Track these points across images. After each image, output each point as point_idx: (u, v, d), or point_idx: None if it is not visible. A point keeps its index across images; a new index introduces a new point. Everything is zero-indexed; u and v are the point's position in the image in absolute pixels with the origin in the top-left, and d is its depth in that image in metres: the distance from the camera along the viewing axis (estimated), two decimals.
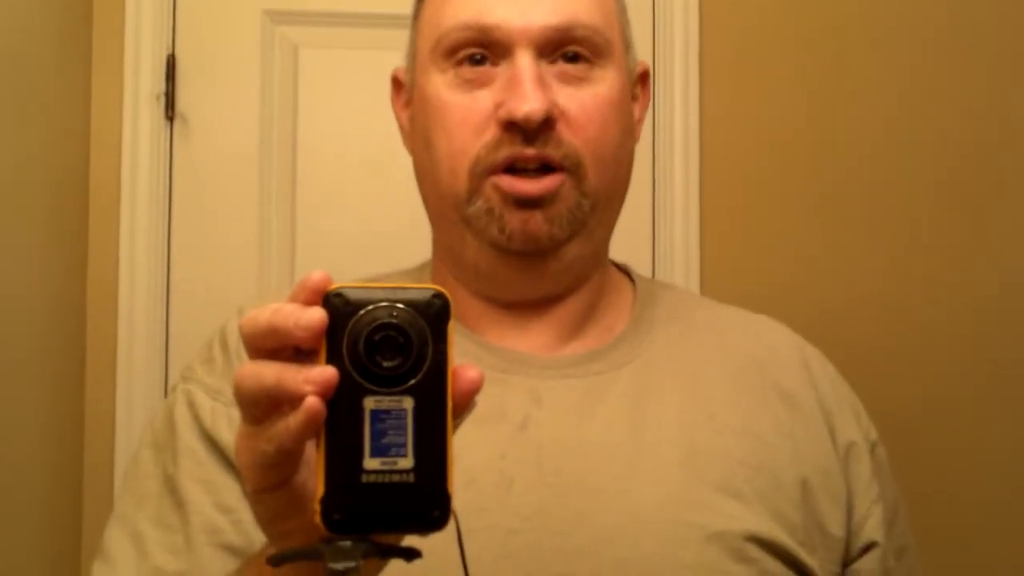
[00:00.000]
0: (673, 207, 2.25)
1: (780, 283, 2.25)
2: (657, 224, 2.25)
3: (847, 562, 1.01)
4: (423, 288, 0.64)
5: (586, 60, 0.98)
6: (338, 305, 0.63)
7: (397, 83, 1.09)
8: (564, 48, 0.97)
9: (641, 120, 1.09)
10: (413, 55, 1.05)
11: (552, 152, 0.95)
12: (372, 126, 2.19)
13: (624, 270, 1.13)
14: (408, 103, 1.07)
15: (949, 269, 2.31)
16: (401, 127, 1.10)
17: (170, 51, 2.19)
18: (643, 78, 1.09)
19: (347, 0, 2.24)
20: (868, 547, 1.02)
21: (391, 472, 0.62)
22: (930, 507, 2.14)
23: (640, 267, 1.16)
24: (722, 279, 2.24)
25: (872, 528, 1.02)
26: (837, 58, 2.34)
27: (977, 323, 2.30)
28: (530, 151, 0.95)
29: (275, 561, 0.65)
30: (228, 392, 0.96)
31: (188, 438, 0.97)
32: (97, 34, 2.18)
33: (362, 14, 2.23)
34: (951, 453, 2.27)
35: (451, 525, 0.64)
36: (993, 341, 2.30)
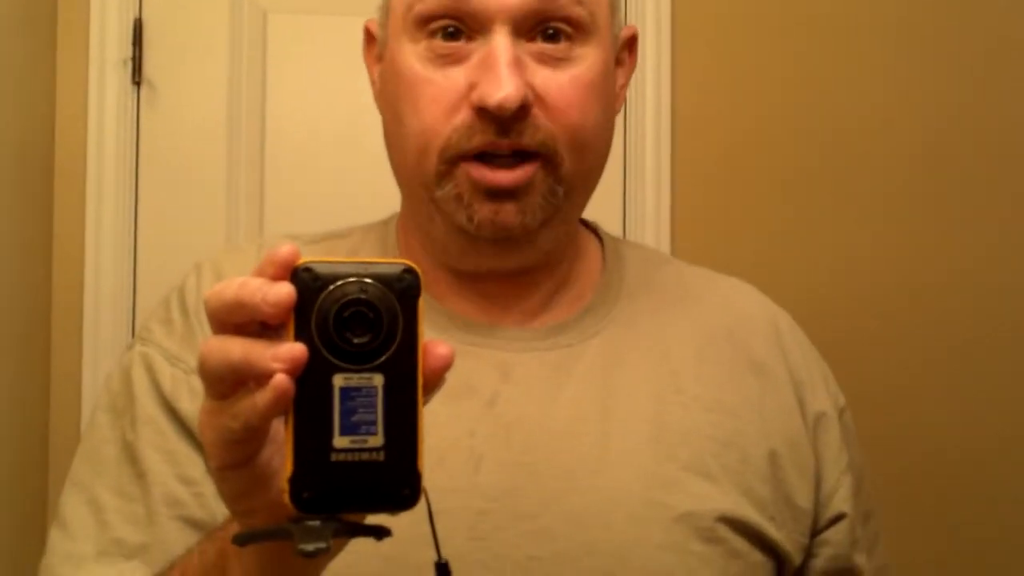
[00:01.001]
0: (644, 178, 2.25)
1: (751, 258, 2.25)
2: (628, 191, 2.25)
3: (815, 532, 1.01)
4: (393, 263, 0.63)
5: (567, 38, 0.93)
6: (306, 280, 0.61)
7: (369, 35, 1.04)
8: (544, 25, 0.92)
9: (625, 85, 1.05)
10: (387, 11, 1.00)
11: (527, 141, 0.91)
12: (342, 92, 2.18)
13: (592, 228, 1.10)
14: (380, 58, 1.02)
15: (920, 247, 2.32)
16: (372, 83, 1.04)
17: (137, 15, 2.16)
18: (631, 42, 1.05)
19: None
20: (837, 518, 1.02)
21: (361, 450, 0.61)
22: (905, 487, 2.16)
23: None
24: (693, 247, 2.24)
25: (841, 499, 1.02)
26: (812, 34, 2.34)
27: (950, 305, 2.32)
28: (504, 142, 0.90)
29: (241, 540, 0.64)
30: (188, 358, 0.94)
31: (147, 405, 0.94)
32: None
33: None
34: (924, 432, 2.28)
35: (421, 503, 0.63)
36: (966, 322, 2.33)
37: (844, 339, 2.09)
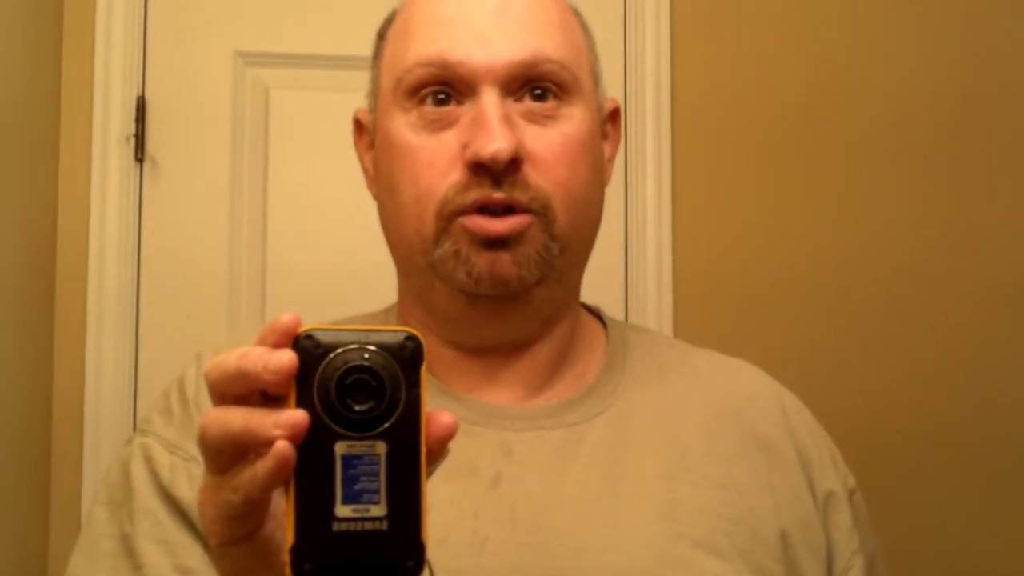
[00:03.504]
0: (645, 249, 2.25)
1: (753, 327, 2.24)
2: (629, 266, 2.25)
3: None
4: (395, 330, 0.62)
5: (554, 97, 0.95)
6: (308, 348, 0.61)
7: (359, 125, 1.07)
8: (530, 85, 0.94)
9: (612, 159, 1.06)
10: (375, 95, 1.02)
11: (520, 195, 0.92)
12: (343, 168, 2.16)
13: (595, 313, 1.11)
14: (371, 146, 1.04)
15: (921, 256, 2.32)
16: (365, 171, 1.07)
17: (140, 92, 2.17)
18: (613, 116, 1.06)
19: (318, 42, 2.24)
20: None
21: (364, 519, 0.60)
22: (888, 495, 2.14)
23: (612, 309, 1.14)
24: (694, 324, 2.23)
25: None
26: (809, 136, 2.35)
27: (946, 324, 2.33)
28: (498, 195, 0.91)
29: None
30: (187, 446, 0.93)
31: (145, 496, 0.93)
32: (67, 74, 2.17)
33: (333, 56, 2.22)
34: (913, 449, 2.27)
35: (426, 574, 0.61)
36: (966, 334, 2.33)
37: (846, 422, 2.09)
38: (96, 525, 0.95)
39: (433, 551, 0.62)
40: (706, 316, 2.28)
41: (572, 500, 0.93)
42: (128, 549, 0.91)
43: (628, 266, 2.26)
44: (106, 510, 0.95)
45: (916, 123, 2.37)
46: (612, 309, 1.15)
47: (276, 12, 2.24)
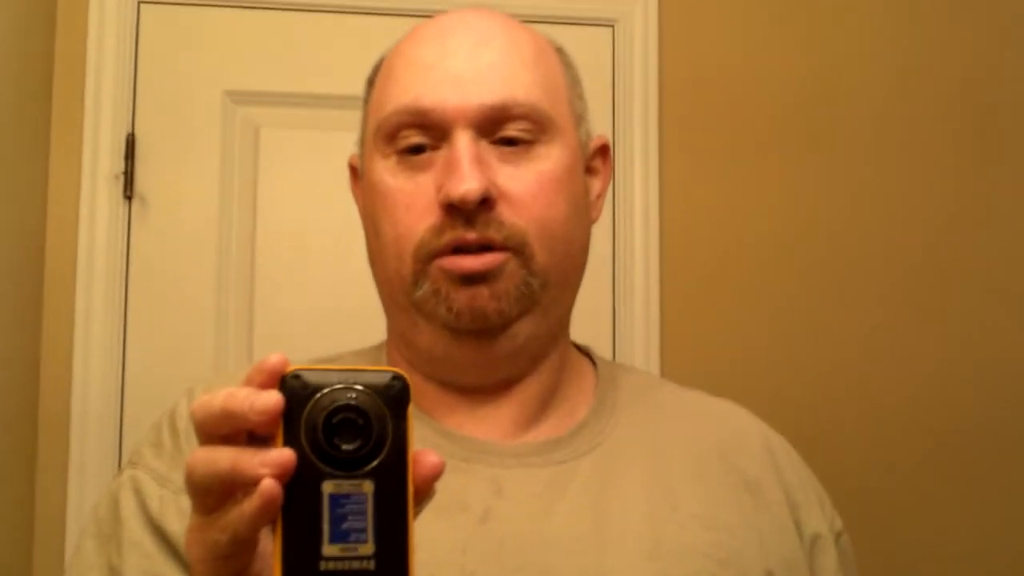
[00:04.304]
0: (633, 288, 2.26)
1: (741, 365, 2.25)
2: (617, 305, 2.25)
3: None
4: (382, 370, 0.63)
5: (529, 135, 0.96)
6: (295, 387, 0.61)
7: (354, 170, 1.08)
8: (503, 126, 0.95)
9: (602, 195, 1.07)
10: (362, 139, 1.04)
11: (493, 234, 0.93)
12: (332, 207, 2.19)
13: (585, 352, 1.11)
14: (362, 187, 1.05)
15: (911, 359, 2.32)
16: (361, 213, 1.07)
17: (130, 130, 2.18)
18: (603, 152, 1.07)
19: (308, 81, 2.25)
20: None
21: (351, 559, 0.60)
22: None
23: (600, 349, 1.15)
24: (683, 361, 2.24)
25: None
26: (798, 133, 2.37)
27: (942, 415, 2.32)
28: (471, 235, 0.93)
29: None
30: (177, 479, 0.93)
31: (134, 528, 0.93)
32: (56, 112, 2.18)
33: (323, 95, 2.23)
34: (917, 541, 2.26)
35: None
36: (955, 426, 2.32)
37: (830, 452, 2.09)
38: (84, 556, 0.95)
39: None
40: (694, 320, 2.29)
41: (559, 538, 0.93)
42: None
43: (615, 279, 2.27)
44: (94, 542, 0.95)
45: (906, 110, 2.39)
46: (599, 320, 1.15)
47: (266, 52, 2.25)
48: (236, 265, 2.20)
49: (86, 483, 2.09)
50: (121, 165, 2.17)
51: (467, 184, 0.91)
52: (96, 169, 2.16)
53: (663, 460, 1.01)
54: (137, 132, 2.19)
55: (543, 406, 1.02)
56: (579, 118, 1.03)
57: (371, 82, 1.05)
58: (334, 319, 2.15)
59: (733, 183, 2.34)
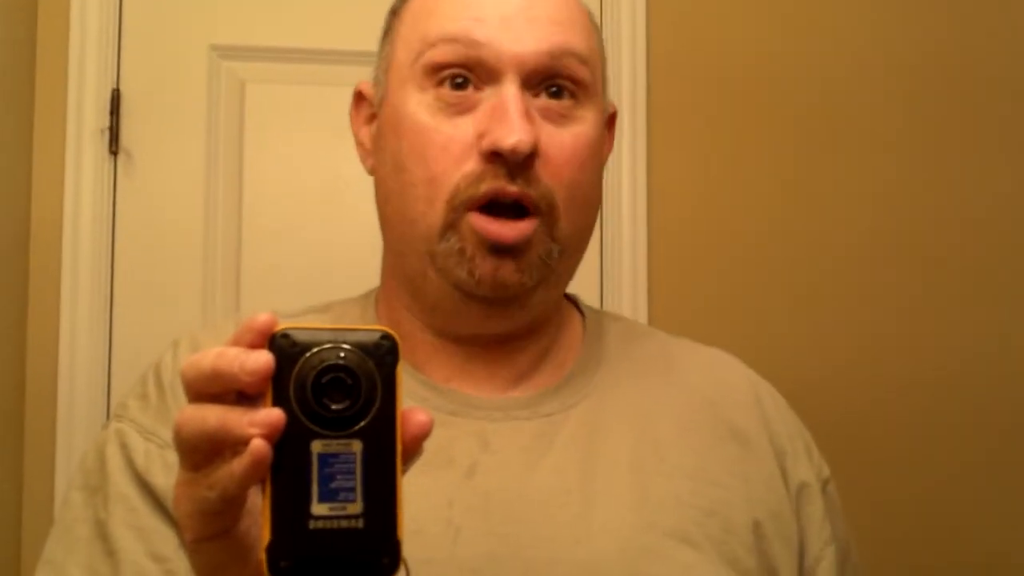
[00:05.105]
0: (621, 244, 2.26)
1: (728, 325, 2.25)
2: (605, 265, 2.26)
3: None
4: (371, 329, 0.63)
5: (570, 96, 0.95)
6: (284, 347, 0.61)
7: (360, 97, 1.05)
8: (551, 81, 0.94)
9: (604, 161, 1.06)
10: (386, 69, 1.00)
11: (532, 192, 0.92)
12: (318, 161, 2.19)
13: (572, 300, 1.11)
14: (371, 119, 1.02)
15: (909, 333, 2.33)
16: (359, 143, 1.04)
17: (115, 85, 2.17)
18: (611, 120, 1.06)
19: (293, 36, 2.24)
20: None
21: (340, 518, 0.60)
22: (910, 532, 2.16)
23: (587, 282, 1.14)
24: (670, 312, 2.24)
25: (825, 571, 1.01)
26: (786, 108, 2.36)
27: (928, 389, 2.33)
28: (512, 188, 0.91)
29: None
30: (162, 432, 0.93)
31: (120, 482, 0.93)
32: (41, 67, 2.16)
33: (308, 50, 2.22)
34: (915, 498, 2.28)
35: (402, 571, 0.62)
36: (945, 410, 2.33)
37: (823, 414, 2.10)
38: (72, 510, 0.95)
39: (407, 542, 0.63)
40: (681, 291, 2.29)
41: (545, 491, 0.93)
42: (103, 535, 0.91)
43: (603, 242, 2.27)
44: (82, 495, 0.95)
45: (897, 98, 2.38)
46: (587, 282, 1.14)
47: (251, 6, 2.24)
48: (223, 219, 2.19)
49: (73, 438, 2.09)
50: (106, 120, 2.15)
51: (518, 135, 0.89)
52: (81, 124, 2.15)
53: (650, 411, 1.01)
54: (122, 87, 2.17)
55: (536, 363, 1.02)
56: (605, 83, 1.03)
57: (395, 12, 1.02)
58: (321, 272, 2.15)
59: (722, 155, 2.34)
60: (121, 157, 2.16)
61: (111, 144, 2.15)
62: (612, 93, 2.21)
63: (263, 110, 2.23)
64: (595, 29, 1.02)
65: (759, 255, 2.32)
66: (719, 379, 1.08)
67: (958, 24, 2.40)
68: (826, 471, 1.07)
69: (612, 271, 2.26)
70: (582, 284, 1.13)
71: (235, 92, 2.22)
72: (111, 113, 2.16)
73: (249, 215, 2.21)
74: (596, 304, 2.19)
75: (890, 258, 2.35)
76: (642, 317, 2.24)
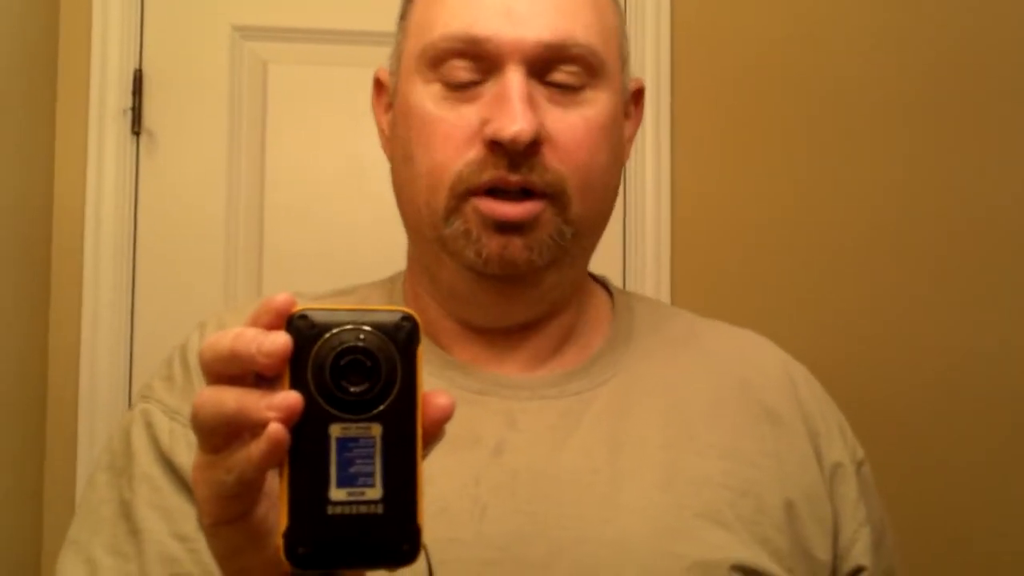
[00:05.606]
0: (644, 229, 2.25)
1: (749, 305, 2.24)
2: (628, 246, 2.24)
3: None
4: (392, 310, 0.62)
5: (579, 80, 0.94)
6: (302, 328, 0.60)
7: (379, 84, 1.05)
8: (556, 66, 0.93)
9: (632, 138, 1.05)
10: (398, 58, 1.00)
11: (536, 179, 0.91)
12: (340, 142, 2.18)
13: (601, 282, 1.10)
14: (389, 107, 1.02)
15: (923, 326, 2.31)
16: (381, 131, 1.04)
17: (137, 66, 2.16)
18: (637, 95, 1.05)
19: (316, 16, 2.23)
20: (855, 572, 1.00)
21: (358, 503, 0.59)
22: (921, 518, 2.14)
23: (609, 265, 1.13)
24: (692, 298, 2.23)
25: (860, 552, 1.00)
26: (807, 100, 2.34)
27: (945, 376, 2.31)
28: (514, 177, 0.90)
29: None
30: (187, 411, 0.92)
31: (145, 462, 0.93)
32: (64, 48, 2.16)
33: (331, 31, 2.21)
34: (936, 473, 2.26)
35: (422, 559, 0.61)
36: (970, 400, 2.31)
37: (849, 391, 2.08)
38: (97, 490, 0.95)
39: (433, 521, 0.62)
40: (704, 278, 2.28)
41: (573, 470, 0.92)
42: (127, 515, 0.92)
43: (626, 226, 2.25)
44: (107, 475, 0.95)
45: (919, 92, 2.35)
46: (610, 268, 1.14)
47: None
48: (245, 200, 2.19)
49: (96, 419, 2.09)
50: (129, 100, 2.15)
51: (519, 124, 0.89)
52: (104, 105, 2.15)
53: (680, 390, 1.00)
54: (145, 67, 2.17)
55: (560, 345, 1.01)
56: (624, 61, 1.01)
57: None
58: (343, 254, 2.15)
59: (743, 144, 2.32)
60: (143, 138, 2.16)
61: (133, 125, 2.15)
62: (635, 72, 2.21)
63: (286, 91, 2.22)
64: (610, 5, 1.00)
65: (781, 243, 2.30)
66: (751, 359, 1.07)
67: (980, 23, 2.37)
68: (860, 452, 1.06)
69: (635, 258, 2.24)
70: (604, 270, 1.12)
71: (257, 73, 2.21)
72: (134, 94, 2.15)
73: (271, 196, 2.20)
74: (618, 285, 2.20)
75: (909, 250, 2.33)
76: (664, 295, 2.23)
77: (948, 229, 2.34)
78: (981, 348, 2.32)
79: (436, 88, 0.94)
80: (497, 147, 0.90)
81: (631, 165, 2.24)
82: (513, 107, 0.89)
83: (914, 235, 2.33)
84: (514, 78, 0.91)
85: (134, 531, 0.91)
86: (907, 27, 2.36)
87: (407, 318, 0.61)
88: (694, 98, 2.30)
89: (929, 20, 2.36)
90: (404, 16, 1.01)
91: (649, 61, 2.29)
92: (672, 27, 2.30)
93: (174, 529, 0.90)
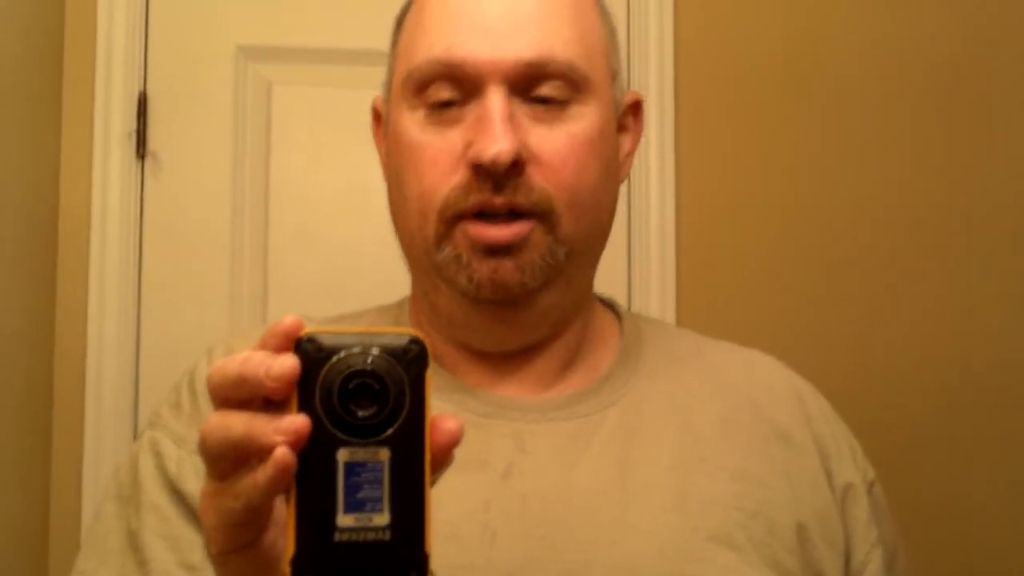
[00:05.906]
0: (649, 243, 2.24)
1: (756, 320, 2.23)
2: (632, 261, 2.24)
3: None
4: (399, 333, 0.61)
5: (563, 95, 0.93)
6: (310, 351, 0.59)
7: (377, 113, 1.05)
8: (538, 84, 0.92)
9: (631, 153, 1.04)
10: (388, 85, 1.01)
11: (521, 200, 0.90)
12: (345, 164, 2.17)
13: (608, 304, 1.10)
14: (387, 135, 1.02)
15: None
16: (381, 158, 1.05)
17: (141, 88, 2.16)
18: (635, 108, 1.04)
19: (321, 36, 2.23)
20: None
21: (366, 529, 0.58)
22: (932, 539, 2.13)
23: (614, 279, 1.13)
24: (698, 314, 2.22)
25: (871, 574, 0.99)
26: (814, 101, 2.33)
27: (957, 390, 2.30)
28: (499, 199, 0.90)
29: None
30: (195, 439, 0.92)
31: (152, 491, 0.92)
32: (68, 71, 2.16)
33: (336, 50, 2.21)
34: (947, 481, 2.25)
35: None
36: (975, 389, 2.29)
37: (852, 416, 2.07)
38: (104, 520, 0.95)
39: (442, 547, 0.61)
40: (709, 288, 2.27)
41: (583, 492, 0.92)
42: (135, 545, 0.91)
43: (631, 237, 2.24)
44: (114, 505, 0.95)
45: (931, 88, 2.34)
46: (614, 280, 1.14)
47: (278, 6, 2.23)
48: (250, 222, 2.19)
49: (102, 443, 2.08)
50: (133, 123, 2.15)
51: (498, 145, 0.88)
52: (108, 127, 2.14)
53: (690, 411, 0.99)
54: (149, 89, 2.17)
55: (566, 366, 1.01)
56: (614, 74, 1.00)
57: (400, 23, 1.02)
58: (348, 275, 2.14)
59: (749, 149, 2.31)
60: (148, 160, 2.16)
61: (138, 147, 2.15)
62: (639, 86, 2.21)
63: (290, 112, 2.21)
64: (596, 17, 1.00)
65: (788, 254, 2.29)
66: (760, 380, 1.06)
67: (984, 22, 2.36)
68: (871, 473, 1.05)
69: (640, 269, 2.23)
70: (609, 283, 1.12)
71: (262, 94, 2.21)
72: (138, 116, 2.15)
73: (276, 217, 2.20)
74: (623, 302, 2.19)
75: (921, 251, 2.31)
76: (670, 313, 2.22)
77: (966, 230, 2.32)
78: (1000, 358, 2.30)
79: (421, 114, 0.94)
80: (480, 170, 0.89)
81: (635, 176, 2.24)
82: (493, 128, 0.89)
83: (927, 241, 2.31)
84: (494, 99, 0.90)
85: (141, 561, 0.90)
86: (910, 29, 2.35)
87: (415, 341, 0.61)
88: (698, 108, 2.29)
89: (932, 21, 2.35)
90: (394, 44, 1.02)
91: (653, 71, 2.28)
92: (675, 37, 2.29)
93: (181, 559, 0.89)
